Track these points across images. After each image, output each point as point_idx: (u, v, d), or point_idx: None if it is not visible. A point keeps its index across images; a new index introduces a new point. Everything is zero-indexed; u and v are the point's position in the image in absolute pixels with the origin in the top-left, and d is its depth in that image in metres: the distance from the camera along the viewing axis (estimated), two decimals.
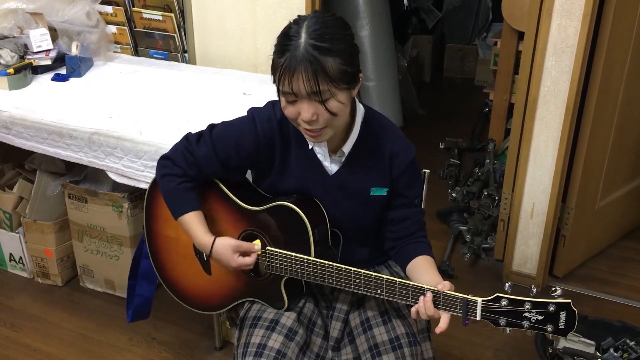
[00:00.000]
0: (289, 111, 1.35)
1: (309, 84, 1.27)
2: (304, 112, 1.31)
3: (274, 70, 1.32)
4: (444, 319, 1.31)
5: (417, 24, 5.28)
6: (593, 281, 2.73)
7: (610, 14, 2.25)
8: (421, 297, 1.32)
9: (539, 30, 2.29)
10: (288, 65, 1.27)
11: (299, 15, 1.35)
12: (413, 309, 1.34)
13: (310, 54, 1.26)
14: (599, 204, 2.73)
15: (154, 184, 1.68)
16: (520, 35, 3.09)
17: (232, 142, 1.48)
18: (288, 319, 1.48)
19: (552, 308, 1.22)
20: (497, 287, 1.30)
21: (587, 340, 2.06)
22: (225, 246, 1.49)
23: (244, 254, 1.49)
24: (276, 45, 1.32)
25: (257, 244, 1.50)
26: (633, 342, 2.12)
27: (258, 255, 1.53)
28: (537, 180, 2.51)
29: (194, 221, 1.52)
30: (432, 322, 1.40)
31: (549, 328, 1.23)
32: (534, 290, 1.26)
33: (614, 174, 2.74)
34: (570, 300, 1.21)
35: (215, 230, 1.57)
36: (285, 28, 1.33)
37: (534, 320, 1.23)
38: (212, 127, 1.53)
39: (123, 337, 2.40)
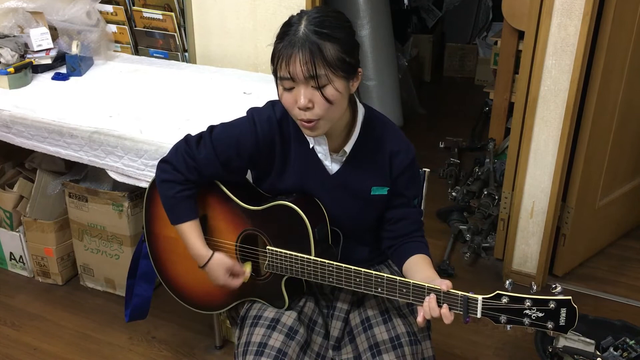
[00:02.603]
0: (286, 99, 1.35)
1: (306, 66, 1.27)
2: (300, 97, 1.31)
3: (273, 55, 1.33)
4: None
5: (417, 23, 5.28)
6: (593, 280, 2.73)
7: (610, 13, 2.26)
8: (426, 300, 1.31)
9: (539, 29, 2.29)
10: (286, 48, 1.28)
11: (301, 10, 1.36)
12: (420, 319, 1.32)
13: (309, 38, 1.27)
14: (599, 203, 2.74)
15: (153, 184, 1.67)
16: (521, 35, 3.09)
17: (232, 144, 1.48)
18: (289, 318, 1.48)
19: (552, 305, 1.22)
20: (497, 286, 1.30)
21: (587, 339, 2.06)
22: (221, 265, 1.52)
23: (234, 274, 1.52)
24: (277, 34, 1.33)
25: (247, 269, 1.54)
26: (633, 341, 2.12)
27: (259, 254, 1.53)
28: (537, 180, 2.52)
29: (191, 231, 1.53)
30: (432, 321, 1.40)
31: (550, 325, 1.23)
32: (534, 288, 1.26)
33: (614, 173, 2.74)
34: (570, 297, 1.21)
35: (215, 230, 1.58)
36: (288, 18, 1.34)
37: (534, 318, 1.24)
38: (211, 128, 1.52)
39: (123, 335, 2.40)
